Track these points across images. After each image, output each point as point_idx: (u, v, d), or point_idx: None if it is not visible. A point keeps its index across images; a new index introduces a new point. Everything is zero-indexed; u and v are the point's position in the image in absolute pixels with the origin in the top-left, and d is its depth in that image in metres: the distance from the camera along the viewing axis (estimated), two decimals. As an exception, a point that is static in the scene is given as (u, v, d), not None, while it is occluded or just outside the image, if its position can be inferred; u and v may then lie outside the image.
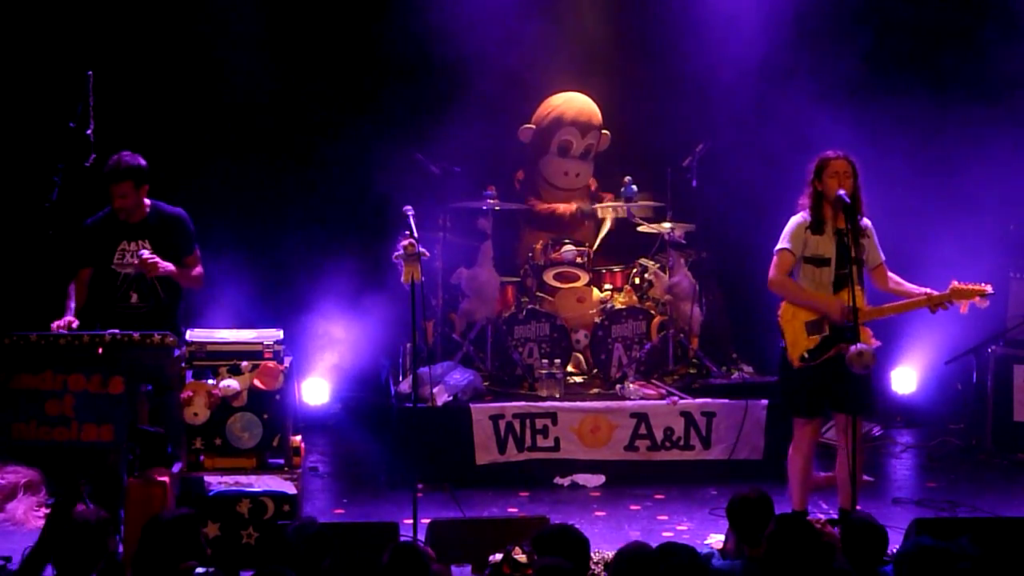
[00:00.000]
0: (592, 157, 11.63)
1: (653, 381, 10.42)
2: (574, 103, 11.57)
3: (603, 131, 11.57)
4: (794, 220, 8.28)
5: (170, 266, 8.22)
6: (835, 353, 8.08)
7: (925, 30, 11.48)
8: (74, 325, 7.95)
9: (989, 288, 8.13)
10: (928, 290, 8.23)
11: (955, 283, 8.12)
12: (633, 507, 9.38)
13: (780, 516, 6.64)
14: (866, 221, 8.27)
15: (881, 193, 8.48)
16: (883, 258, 8.32)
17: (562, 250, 10.86)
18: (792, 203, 8.36)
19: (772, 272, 8.26)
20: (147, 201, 8.35)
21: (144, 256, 8.18)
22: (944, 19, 11.41)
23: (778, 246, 8.26)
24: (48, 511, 8.31)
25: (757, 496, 6.77)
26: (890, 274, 8.33)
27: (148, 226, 8.34)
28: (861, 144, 9.51)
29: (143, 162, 8.29)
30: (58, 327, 7.88)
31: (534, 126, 11.58)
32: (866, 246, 8.22)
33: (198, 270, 8.43)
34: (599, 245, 11.37)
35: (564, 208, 11.52)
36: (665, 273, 10.84)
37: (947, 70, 11.28)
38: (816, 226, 8.21)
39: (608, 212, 11.35)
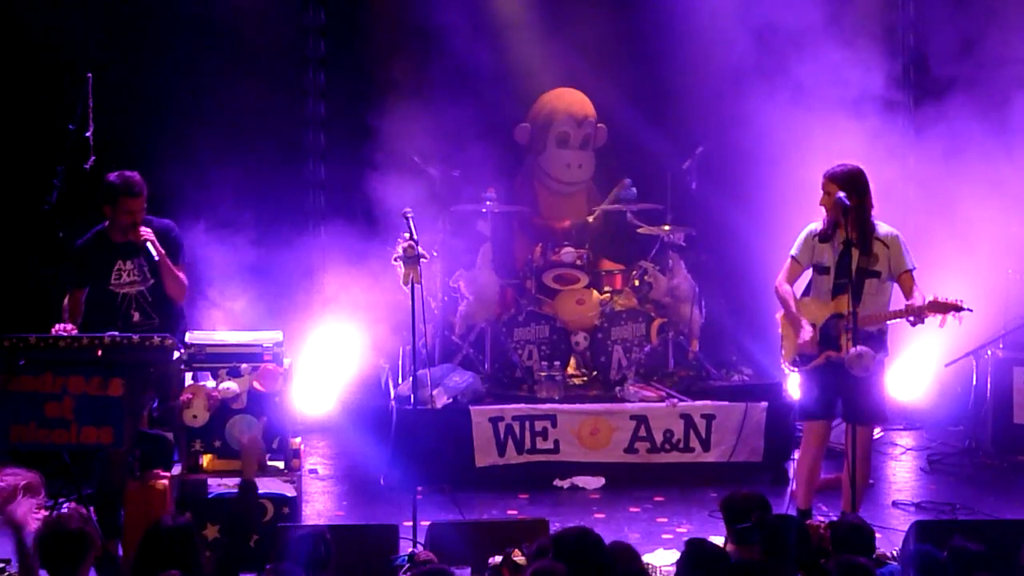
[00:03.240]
0: (591, 148, 11.57)
1: (653, 383, 10.39)
2: (565, 96, 11.50)
3: (599, 124, 11.54)
4: (806, 228, 8.36)
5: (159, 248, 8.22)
6: (824, 361, 8.15)
7: (924, 37, 11.48)
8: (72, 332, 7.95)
9: (964, 304, 8.14)
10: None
11: (934, 297, 8.15)
12: (633, 509, 9.38)
13: (773, 517, 6.64)
14: (886, 230, 8.26)
15: (881, 196, 8.48)
16: (909, 267, 8.25)
17: (561, 252, 10.84)
18: (792, 208, 8.39)
19: (778, 277, 8.41)
20: None
21: (142, 232, 8.17)
22: (942, 25, 11.42)
23: (790, 252, 8.38)
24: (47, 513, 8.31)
25: (753, 495, 6.77)
26: (915, 286, 8.25)
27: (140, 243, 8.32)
28: (861, 147, 9.52)
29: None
30: (58, 331, 7.87)
31: (528, 125, 11.54)
32: (881, 256, 8.19)
33: (184, 278, 8.41)
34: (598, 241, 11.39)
35: (558, 225, 11.45)
36: (665, 275, 10.82)
37: (942, 74, 11.27)
38: (825, 234, 8.25)
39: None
